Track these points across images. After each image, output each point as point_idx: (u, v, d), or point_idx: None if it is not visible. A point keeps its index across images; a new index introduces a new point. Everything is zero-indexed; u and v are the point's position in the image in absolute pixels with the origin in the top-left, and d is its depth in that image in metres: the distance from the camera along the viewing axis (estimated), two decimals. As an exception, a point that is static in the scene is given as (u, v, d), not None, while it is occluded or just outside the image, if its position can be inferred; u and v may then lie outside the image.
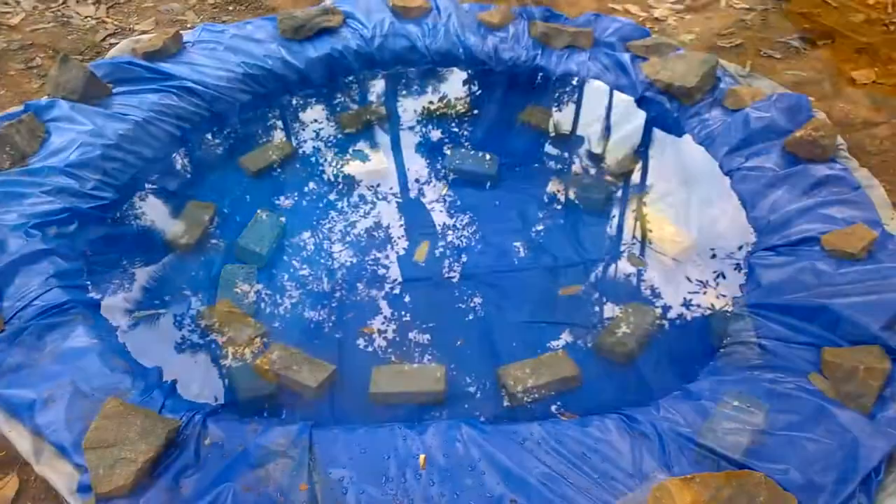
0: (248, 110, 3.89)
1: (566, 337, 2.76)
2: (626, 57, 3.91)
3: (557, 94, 4.03)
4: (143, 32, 4.25)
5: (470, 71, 4.19)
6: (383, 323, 2.84)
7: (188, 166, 3.59)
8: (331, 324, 2.84)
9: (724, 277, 2.86)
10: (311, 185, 3.49)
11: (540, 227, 3.20)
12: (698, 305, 2.79)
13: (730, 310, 2.67)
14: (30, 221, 2.85)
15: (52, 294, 2.59)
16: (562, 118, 3.88)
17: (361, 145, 3.74)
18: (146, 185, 3.40)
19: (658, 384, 2.52)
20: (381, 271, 3.03)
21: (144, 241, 3.15)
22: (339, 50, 4.08)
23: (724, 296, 2.78)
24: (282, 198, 3.40)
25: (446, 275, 3.01)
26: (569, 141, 3.75)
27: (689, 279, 2.91)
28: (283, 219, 3.23)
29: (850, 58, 3.93)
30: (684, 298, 2.82)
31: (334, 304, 2.91)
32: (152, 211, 3.31)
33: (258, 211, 3.22)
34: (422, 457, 2.09)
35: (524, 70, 4.09)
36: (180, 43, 3.93)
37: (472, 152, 3.58)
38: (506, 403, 2.53)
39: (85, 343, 2.41)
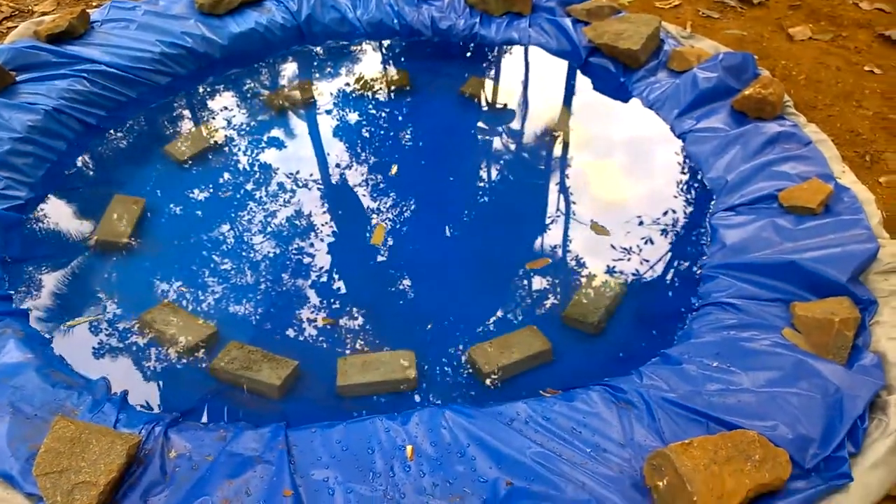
0: (168, 93, 3.61)
1: (533, 311, 2.70)
2: (567, 22, 3.85)
3: (499, 64, 3.93)
4: (44, 13, 3.87)
5: (405, 43, 4.03)
6: (342, 312, 2.70)
7: (109, 157, 3.29)
8: (285, 317, 2.67)
9: (686, 240, 2.86)
10: (245, 171, 3.27)
11: (494, 201, 3.11)
12: (663, 269, 2.77)
13: (697, 272, 2.66)
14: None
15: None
16: (505, 88, 3.78)
17: (295, 127, 3.53)
18: (64, 181, 3.10)
19: (630, 351, 2.50)
20: (335, 258, 2.87)
21: (69, 242, 2.87)
22: (263, 24, 3.84)
23: (688, 258, 2.77)
24: (216, 186, 3.17)
25: (404, 256, 2.89)
26: (512, 112, 3.66)
27: (650, 242, 2.89)
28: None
29: (786, 15, 4.00)
30: (647, 263, 2.80)
31: (287, 297, 2.74)
32: (74, 208, 3.02)
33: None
34: (409, 448, 1.98)
35: (463, 40, 3.96)
36: (88, 23, 3.60)
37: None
38: (480, 384, 2.45)
39: (18, 358, 2.16)
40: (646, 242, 2.88)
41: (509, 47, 3.93)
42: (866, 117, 3.27)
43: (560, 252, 2.87)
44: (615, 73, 3.65)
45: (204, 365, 2.46)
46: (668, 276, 2.74)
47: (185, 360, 2.49)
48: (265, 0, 3.95)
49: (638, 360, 2.41)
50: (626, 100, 3.57)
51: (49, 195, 3.02)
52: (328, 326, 2.65)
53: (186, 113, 3.56)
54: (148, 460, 1.92)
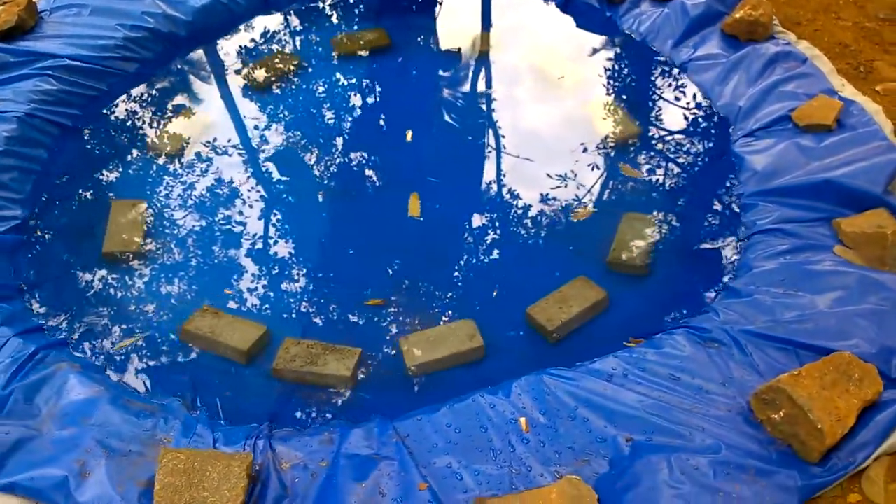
0: (140, 81, 3.35)
1: (578, 261, 2.71)
2: (541, -40, 3.77)
3: (479, 12, 3.81)
4: (-23, 8, 3.47)
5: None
6: (390, 290, 2.63)
7: (95, 160, 3.05)
8: (333, 304, 2.59)
9: (715, 170, 2.91)
10: (245, 155, 3.10)
11: (516, 155, 3.07)
12: (699, 202, 2.82)
13: (734, 201, 2.72)
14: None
15: (11, 347, 2.13)
16: (491, 37, 3.68)
17: (284, 101, 3.35)
18: (55, 192, 2.86)
19: (683, 289, 2.56)
20: (372, 234, 2.79)
21: (80, 258, 2.68)
22: (227, -5, 3.59)
23: (722, 188, 2.83)
24: (216, 175, 3.00)
25: (439, 224, 2.83)
26: (505, 60, 3.58)
27: (680, 177, 2.92)
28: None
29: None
30: (682, 198, 2.85)
31: (329, 282, 2.66)
32: (74, 220, 2.81)
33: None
34: (522, 420, 1.98)
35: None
36: (36, 14, 3.27)
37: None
38: (545, 342, 2.46)
39: (87, 393, 2.02)
40: (676, 178, 2.92)
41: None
42: (847, 28, 3.38)
43: (595, 198, 2.88)
44: (599, 8, 3.61)
45: (266, 367, 2.38)
46: (707, 209, 2.79)
47: (244, 365, 2.39)
48: (221, -33, 3.67)
49: (692, 297, 2.49)
50: (616, 34, 3.55)
51: (44, 210, 2.79)
52: (379, 307, 2.59)
53: (164, 100, 3.32)
54: (264, 476, 1.86)
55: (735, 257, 2.52)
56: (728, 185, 2.80)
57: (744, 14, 3.18)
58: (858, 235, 2.35)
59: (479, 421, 1.99)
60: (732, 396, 2.00)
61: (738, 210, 2.66)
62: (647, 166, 2.95)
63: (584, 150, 3.05)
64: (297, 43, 3.65)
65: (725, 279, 2.45)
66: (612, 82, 3.36)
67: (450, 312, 2.57)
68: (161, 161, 3.03)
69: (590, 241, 2.76)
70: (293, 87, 3.40)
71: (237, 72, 3.47)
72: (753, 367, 2.07)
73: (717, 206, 2.77)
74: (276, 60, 3.50)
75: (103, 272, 2.64)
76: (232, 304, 2.57)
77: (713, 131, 3.04)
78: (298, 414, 2.25)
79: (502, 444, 1.93)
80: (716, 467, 1.80)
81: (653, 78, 3.32)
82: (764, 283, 2.31)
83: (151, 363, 2.37)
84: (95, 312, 2.51)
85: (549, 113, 3.26)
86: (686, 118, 3.13)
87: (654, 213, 2.79)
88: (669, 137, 3.06)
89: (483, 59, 3.55)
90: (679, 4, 3.37)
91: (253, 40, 3.65)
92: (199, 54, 3.54)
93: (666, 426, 1.92)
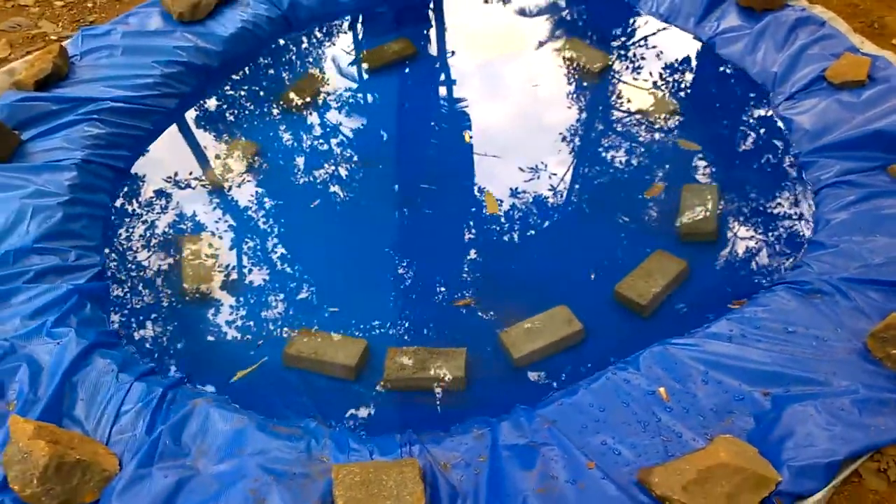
0: (181, 115, 3.34)
1: (651, 234, 2.79)
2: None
3: (505, 11, 3.88)
4: (3, 60, 3.41)
5: (398, 7, 3.90)
6: (478, 288, 2.68)
7: (155, 199, 3.03)
8: (425, 309, 2.63)
9: (767, 133, 3.04)
10: (306, 175, 3.12)
11: (573, 143, 3.15)
12: (758, 165, 2.94)
13: (791, 161, 2.86)
14: (45, 321, 2.29)
15: (136, 391, 2.13)
16: (514, 33, 3.75)
17: (329, 118, 3.38)
18: (125, 236, 2.85)
19: (757, 249, 2.67)
20: (454, 235, 2.85)
21: (165, 300, 2.66)
22: (250, 21, 3.60)
23: (776, 150, 2.95)
24: (277, 201, 3.03)
25: (516, 216, 2.89)
26: (536, 54, 3.65)
27: (734, 144, 3.01)
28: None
29: None
30: (740, 163, 2.96)
31: (418, 287, 2.70)
32: (149, 261, 2.79)
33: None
34: (661, 389, 2.07)
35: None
36: (68, 59, 3.23)
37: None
38: (639, 316, 2.55)
39: (234, 425, 2.03)
40: (728, 146, 3.03)
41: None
42: (851, -12, 3.55)
43: (661, 174, 2.97)
44: (615, -6, 3.73)
45: (374, 379, 2.41)
46: (765, 171, 2.91)
47: (353, 381, 2.42)
48: (238, -6, 3.67)
49: (769, 256, 2.61)
50: (639, 17, 3.67)
51: (118, 255, 2.77)
52: (468, 306, 2.65)
53: (210, 132, 3.31)
54: (430, 479, 1.90)
55: (805, 213, 2.65)
56: (781, 146, 2.93)
57: (757, -15, 3.32)
58: (922, 179, 2.50)
59: (618, 397, 2.07)
60: (847, 339, 2.13)
61: (797, 169, 2.80)
62: (698, 139, 3.07)
63: (642, 129, 3.14)
64: (327, 61, 3.67)
65: (806, 233, 2.57)
66: (645, 64, 3.47)
67: (539, 301, 2.62)
68: (219, 192, 3.04)
69: (656, 215, 2.86)
70: (334, 103, 3.44)
71: (275, 95, 3.48)
72: (859, 310, 2.19)
73: (776, 167, 2.89)
74: (311, 80, 3.53)
75: (189, 308, 2.64)
76: (322, 322, 2.58)
77: (753, 98, 3.17)
78: (426, 418, 2.30)
79: (647, 415, 2.01)
80: (859, 405, 1.92)
81: (683, 55, 3.44)
82: (844, 232, 2.44)
83: (268, 390, 2.38)
84: (195, 348, 2.52)
85: (586, 99, 3.35)
86: (725, 89, 3.26)
87: (714, 181, 2.90)
88: (713, 109, 3.18)
89: (514, 53, 3.63)
90: (700, -17, 3.50)
91: (284, 63, 3.66)
92: (234, 82, 3.53)
93: (799, 375, 2.03)
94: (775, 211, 2.75)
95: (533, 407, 2.12)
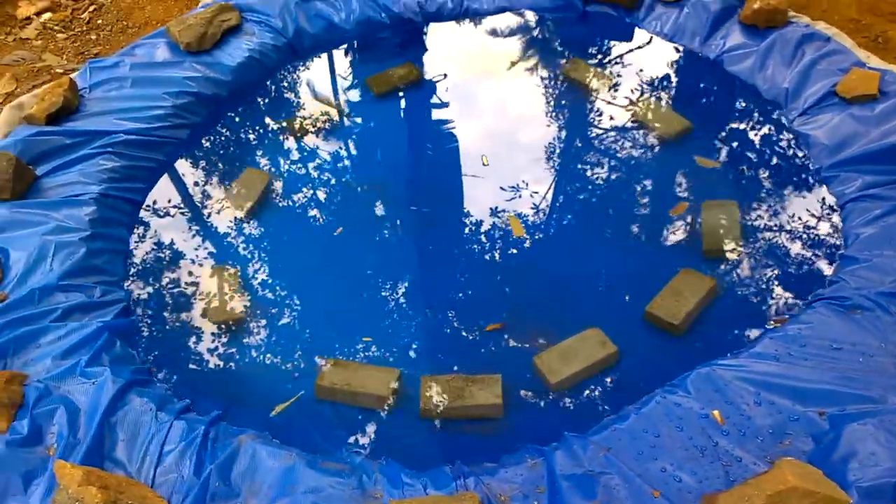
0: (194, 146, 3.29)
1: (675, 253, 2.80)
2: (553, -24, 3.90)
3: (506, 34, 3.89)
4: (9, 95, 3.34)
5: (401, 32, 3.90)
6: (505, 312, 2.65)
7: (174, 231, 2.97)
8: (453, 336, 2.60)
9: (783, 149, 3.07)
10: (320, 203, 3.09)
11: (589, 166, 3.16)
12: (777, 181, 2.96)
13: (811, 176, 2.88)
14: (78, 360, 2.22)
15: (177, 430, 2.07)
16: (517, 54, 3.77)
17: (345, 141, 3.36)
18: (147, 270, 2.79)
19: (786, 264, 2.69)
20: (478, 259, 2.82)
21: (191, 331, 2.61)
22: (256, 50, 3.56)
23: (795, 166, 2.98)
24: (295, 229, 2.99)
25: (540, 239, 2.88)
26: (544, 78, 3.66)
27: (753, 161, 3.03)
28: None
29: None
30: (760, 179, 2.98)
31: (445, 313, 2.66)
32: (174, 294, 2.73)
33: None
34: (715, 413, 2.05)
35: (457, 17, 3.90)
36: (77, 93, 3.17)
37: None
38: (672, 336, 2.54)
39: (283, 462, 1.98)
40: (745, 162, 3.06)
41: (505, 14, 3.91)
42: (849, 4, 3.63)
43: (680, 192, 2.98)
44: (617, 16, 3.76)
45: (409, 408, 2.37)
46: (786, 186, 2.93)
47: (393, 413, 2.38)
48: (243, 24, 3.64)
49: (796, 271, 2.63)
50: (644, 38, 3.70)
51: (142, 289, 2.71)
52: (499, 331, 2.62)
53: (223, 162, 3.26)
54: (492, 512, 1.87)
55: (833, 228, 2.67)
56: (800, 162, 2.96)
57: (761, 4, 3.37)
58: (947, 191, 2.54)
59: (671, 421, 2.05)
60: (894, 355, 2.13)
61: (819, 184, 2.83)
62: (715, 156, 3.09)
63: (648, 149, 3.17)
64: (334, 87, 3.66)
65: (837, 249, 2.59)
66: (655, 83, 3.50)
67: (569, 323, 2.61)
68: (236, 222, 2.99)
69: (677, 234, 2.86)
70: (343, 129, 3.41)
71: (285, 123, 3.45)
72: (903, 326, 2.21)
73: (797, 183, 2.92)
74: (319, 107, 3.50)
75: (217, 342, 2.59)
76: (354, 351, 2.54)
77: (767, 115, 3.21)
78: (469, 448, 2.26)
79: (703, 440, 1.99)
80: (908, 422, 1.92)
81: (691, 74, 3.47)
82: (875, 246, 2.47)
83: (304, 423, 2.33)
84: (228, 383, 2.46)
85: (600, 119, 3.37)
86: (738, 106, 3.29)
87: (735, 198, 2.91)
88: (728, 126, 3.21)
89: (518, 75, 3.64)
90: (698, 3, 3.54)
91: (291, 90, 3.64)
92: (243, 111, 3.50)
93: (852, 393, 2.03)
94: (801, 226, 2.77)
95: (583, 434, 2.09)
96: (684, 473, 1.91)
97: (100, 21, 3.78)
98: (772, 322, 2.41)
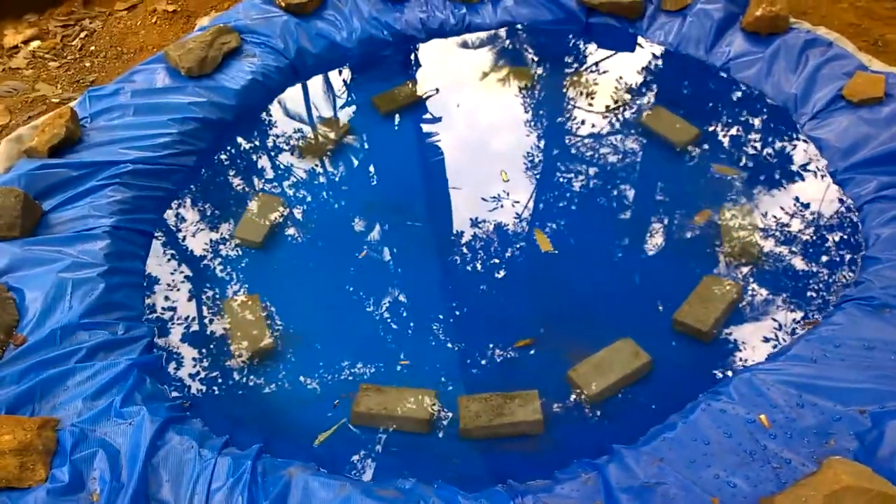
0: (201, 173, 3.24)
1: (702, 261, 2.82)
2: (549, -10, 3.93)
3: (511, 49, 3.91)
4: (4, 127, 3.25)
5: (404, 50, 3.89)
6: (534, 327, 2.64)
7: (190, 263, 2.91)
8: (483, 354, 2.59)
9: (796, 155, 3.12)
10: (343, 225, 3.06)
11: (608, 180, 3.18)
12: (793, 188, 3.02)
13: (826, 179, 2.94)
14: (111, 401, 2.16)
15: (223, 466, 2.02)
16: (528, 69, 3.78)
17: (356, 162, 3.34)
18: (167, 303, 2.73)
19: (808, 267, 2.73)
20: (507, 275, 2.82)
21: (217, 364, 2.56)
22: (259, 72, 3.52)
23: (810, 170, 3.04)
24: (325, 252, 2.96)
25: (566, 251, 2.88)
26: (551, 96, 3.68)
27: (767, 169, 3.08)
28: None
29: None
30: (770, 183, 3.04)
31: (474, 331, 2.66)
32: (196, 328, 2.68)
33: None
34: (762, 417, 2.07)
35: (459, 32, 3.91)
36: (79, 122, 3.10)
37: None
38: (702, 343, 2.56)
39: (336, 492, 1.95)
40: (764, 167, 3.10)
41: (509, 28, 3.93)
42: (846, 10, 3.73)
43: (700, 199, 3.01)
44: (620, 27, 3.80)
45: (448, 430, 2.36)
46: (805, 191, 2.98)
47: (428, 434, 2.36)
48: (243, 46, 3.60)
49: (819, 274, 2.67)
50: (649, 48, 3.74)
51: (164, 324, 2.65)
52: (529, 346, 2.62)
53: (233, 191, 3.21)
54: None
55: (853, 229, 2.72)
56: (815, 165, 3.02)
57: (764, 11, 3.44)
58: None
59: (719, 428, 2.06)
60: (926, 355, 2.18)
61: (835, 186, 2.88)
62: (730, 163, 3.13)
63: (663, 159, 3.20)
64: (340, 107, 3.63)
65: (859, 250, 2.64)
66: (667, 92, 3.53)
67: (598, 334, 2.61)
68: (252, 249, 2.95)
69: (698, 241, 2.90)
70: (353, 150, 3.39)
71: (292, 145, 3.42)
72: (930, 321, 2.26)
73: (814, 186, 2.97)
74: (326, 128, 3.48)
75: (248, 373, 2.54)
76: (391, 374, 2.53)
77: (778, 120, 3.26)
78: (515, 466, 2.24)
79: (752, 444, 2.01)
80: (962, 415, 1.96)
81: (700, 81, 3.52)
82: (894, 247, 2.52)
83: (346, 450, 2.30)
84: (263, 415, 2.42)
85: (614, 129, 3.40)
86: (749, 112, 3.34)
87: (752, 203, 2.96)
88: (741, 133, 3.26)
89: (530, 90, 3.66)
90: (701, 11, 3.60)
91: (297, 112, 3.61)
92: (250, 135, 3.46)
93: (891, 391, 2.06)
94: (822, 229, 2.82)
95: (632, 445, 2.10)
96: (737, 478, 1.93)
97: (93, 48, 3.70)
98: (804, 325, 2.44)
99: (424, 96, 3.61)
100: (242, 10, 3.77)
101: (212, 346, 2.61)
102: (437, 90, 3.65)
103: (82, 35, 3.66)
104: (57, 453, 2.03)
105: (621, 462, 2.01)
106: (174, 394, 2.40)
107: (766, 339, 2.53)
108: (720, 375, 2.42)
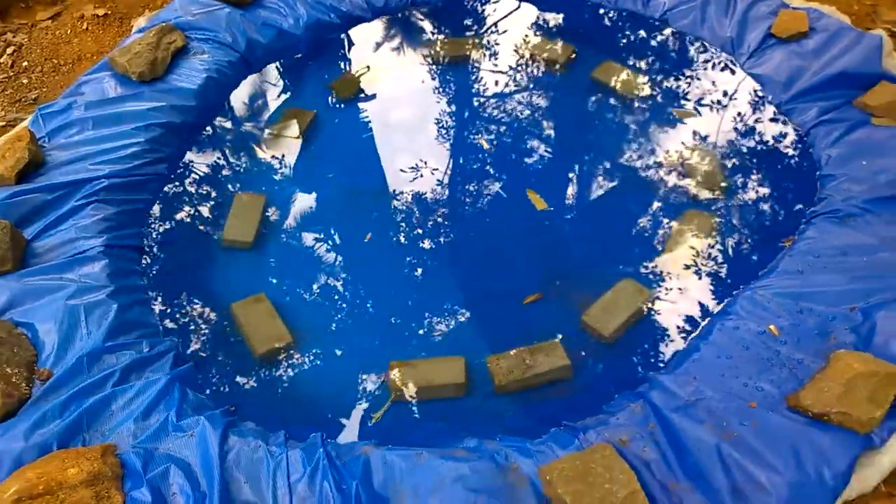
0: (176, 178, 3.16)
1: (676, 195, 3.05)
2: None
3: (454, 21, 3.98)
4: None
5: (355, 29, 3.89)
6: (539, 283, 2.79)
7: (188, 271, 2.86)
8: (495, 315, 2.74)
9: (742, 89, 3.39)
10: (330, 211, 3.10)
11: (592, 150, 3.32)
12: (746, 115, 3.29)
13: (775, 110, 3.23)
14: (165, 416, 2.16)
15: (295, 458, 2.06)
16: (472, 43, 3.87)
17: (328, 149, 3.35)
18: (178, 314, 2.71)
19: (776, 192, 3.00)
20: (507, 235, 2.96)
21: (243, 364, 2.58)
22: (213, 69, 3.44)
23: (758, 103, 3.32)
24: (319, 240, 2.99)
25: (564, 210, 3.05)
26: (504, 56, 3.79)
27: (713, 107, 3.36)
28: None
29: None
30: (731, 119, 3.30)
31: (482, 297, 2.79)
32: (212, 334, 2.68)
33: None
34: (771, 327, 2.32)
35: (405, 7, 3.94)
36: (38, 143, 2.96)
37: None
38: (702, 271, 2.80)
39: (416, 461, 2.04)
40: (719, 107, 3.35)
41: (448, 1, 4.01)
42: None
43: (665, 141, 3.24)
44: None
45: (483, 389, 2.49)
46: (759, 122, 3.24)
47: (465, 396, 2.48)
48: (190, 44, 3.51)
49: (785, 194, 2.96)
50: (593, 8, 3.91)
51: (181, 334, 2.64)
52: (538, 301, 2.77)
53: (212, 194, 3.16)
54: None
55: (806, 152, 3.02)
56: (761, 99, 3.30)
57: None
58: (887, 105, 2.94)
59: (737, 342, 2.31)
60: (891, 250, 2.49)
61: (783, 116, 3.18)
62: (685, 107, 3.38)
63: (625, 108, 3.40)
64: (299, 96, 3.61)
65: (813, 170, 2.94)
66: (617, 47, 3.71)
67: (599, 280, 2.80)
68: (246, 251, 2.94)
69: (672, 180, 3.11)
70: (325, 137, 3.41)
71: (260, 139, 3.39)
72: (891, 222, 2.57)
73: (765, 117, 3.25)
74: (290, 118, 3.46)
75: (276, 372, 2.57)
76: (402, 351, 2.62)
77: (721, 62, 3.52)
78: (560, 408, 2.40)
79: (767, 351, 2.27)
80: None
81: (647, 33, 3.73)
82: (845, 162, 2.83)
83: (401, 425, 2.40)
84: (305, 404, 2.48)
85: (571, 85, 3.57)
86: (694, 58, 3.58)
87: (710, 140, 3.22)
88: (692, 77, 3.49)
89: (481, 59, 3.77)
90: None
91: (257, 104, 3.56)
92: (216, 135, 3.39)
93: (871, 288, 2.36)
94: (778, 154, 3.11)
95: (666, 370, 2.32)
96: (763, 383, 2.18)
97: (25, 63, 3.48)
98: (783, 241, 2.73)
99: (357, 75, 3.65)
100: (181, 7, 3.65)
101: (233, 350, 2.61)
102: (368, 68, 3.70)
103: (10, 51, 3.43)
104: (126, 477, 2.02)
105: (661, 387, 2.22)
106: (215, 401, 2.40)
107: (755, 261, 2.77)
108: (719, 298, 2.65)
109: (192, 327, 2.68)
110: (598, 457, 1.97)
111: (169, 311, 2.70)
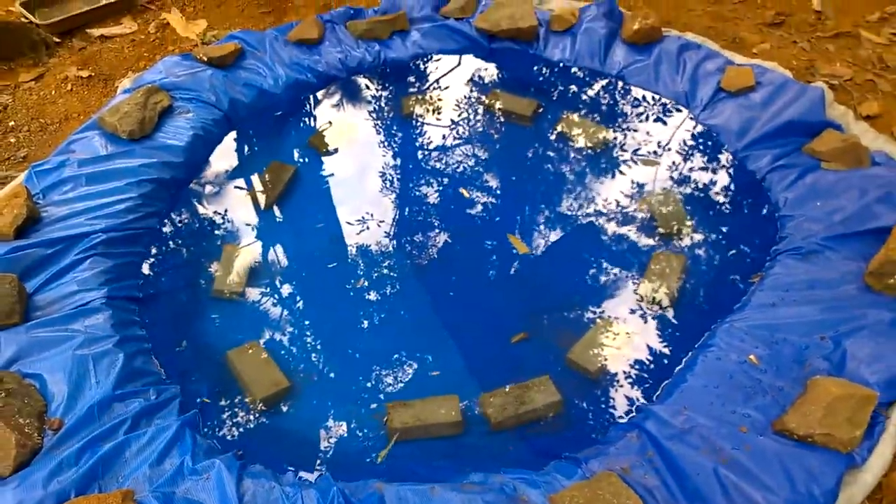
0: (168, 233, 3.23)
1: (643, 237, 3.25)
2: (452, 23, 4.26)
3: (425, 79, 4.18)
4: (-56, 215, 3.02)
5: (330, 89, 4.06)
6: (525, 322, 2.93)
7: (185, 321, 2.91)
8: (484, 353, 2.86)
9: (701, 140, 3.66)
10: (314, 263, 3.20)
11: (550, 182, 3.54)
12: (704, 164, 3.54)
13: (731, 158, 3.50)
14: (181, 461, 2.21)
15: (310, 497, 2.14)
16: (443, 98, 4.08)
17: (311, 201, 3.47)
18: (178, 363, 2.75)
19: (741, 233, 3.24)
20: (492, 279, 3.10)
21: (243, 409, 2.63)
22: (199, 127, 3.55)
23: (715, 152, 3.58)
24: (310, 287, 3.09)
25: (545, 253, 3.20)
26: (468, 112, 4.01)
27: (669, 156, 3.63)
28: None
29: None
30: (691, 167, 3.56)
31: (470, 335, 2.91)
32: (212, 381, 2.72)
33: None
34: (751, 357, 2.50)
35: (378, 66, 4.13)
36: (34, 200, 3.00)
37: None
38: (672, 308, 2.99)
39: (430, 496, 2.13)
40: (680, 155, 3.60)
41: (422, 60, 4.22)
42: (702, 16, 4.38)
43: (635, 191, 3.47)
44: (520, 49, 4.21)
45: (478, 428, 2.59)
46: (717, 169, 3.49)
47: (462, 434, 2.58)
48: (175, 104, 3.61)
49: (748, 234, 3.19)
50: (545, 65, 4.15)
51: (183, 381, 2.66)
52: (525, 340, 2.91)
53: (201, 247, 3.22)
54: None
55: (764, 196, 3.26)
56: (718, 148, 3.57)
57: (640, 25, 3.98)
58: (834, 150, 3.22)
59: (721, 372, 2.48)
60: (851, 283, 2.72)
61: (738, 163, 3.45)
62: (648, 157, 3.63)
63: (588, 161, 3.63)
64: (280, 152, 3.72)
65: (773, 211, 3.18)
66: (575, 100, 3.96)
67: (580, 319, 2.95)
68: (236, 301, 3.01)
69: (638, 222, 3.32)
70: (309, 189, 3.52)
71: (248, 193, 3.49)
72: (849, 258, 2.80)
73: (721, 165, 3.52)
74: (275, 173, 3.56)
75: (279, 414, 2.63)
76: (425, 384, 2.72)
77: (679, 115, 3.79)
78: (553, 443, 2.52)
79: (750, 380, 2.44)
80: (884, 328, 2.51)
81: (607, 89, 4.00)
82: (802, 204, 3.07)
83: (403, 464, 2.46)
84: (311, 445, 2.53)
85: (539, 138, 3.79)
86: (654, 112, 3.84)
87: (673, 187, 3.45)
88: (654, 131, 3.73)
89: (447, 112, 3.97)
90: (587, 29, 4.07)
91: (241, 161, 3.66)
92: (204, 191, 3.48)
93: (839, 318, 2.57)
94: (738, 198, 3.35)
95: (658, 401, 2.46)
96: (749, 409, 2.34)
97: (11, 123, 3.52)
98: (752, 278, 2.94)
99: (321, 130, 3.82)
100: (164, 68, 3.77)
101: (232, 397, 2.66)
102: (331, 123, 3.86)
103: (-6, 112, 3.47)
104: (143, 523, 2.05)
105: (655, 416, 2.36)
106: (222, 445, 2.44)
107: (723, 295, 2.96)
108: (695, 332, 2.79)
109: (191, 376, 2.71)
110: (605, 484, 2.09)
111: (170, 358, 2.74)
